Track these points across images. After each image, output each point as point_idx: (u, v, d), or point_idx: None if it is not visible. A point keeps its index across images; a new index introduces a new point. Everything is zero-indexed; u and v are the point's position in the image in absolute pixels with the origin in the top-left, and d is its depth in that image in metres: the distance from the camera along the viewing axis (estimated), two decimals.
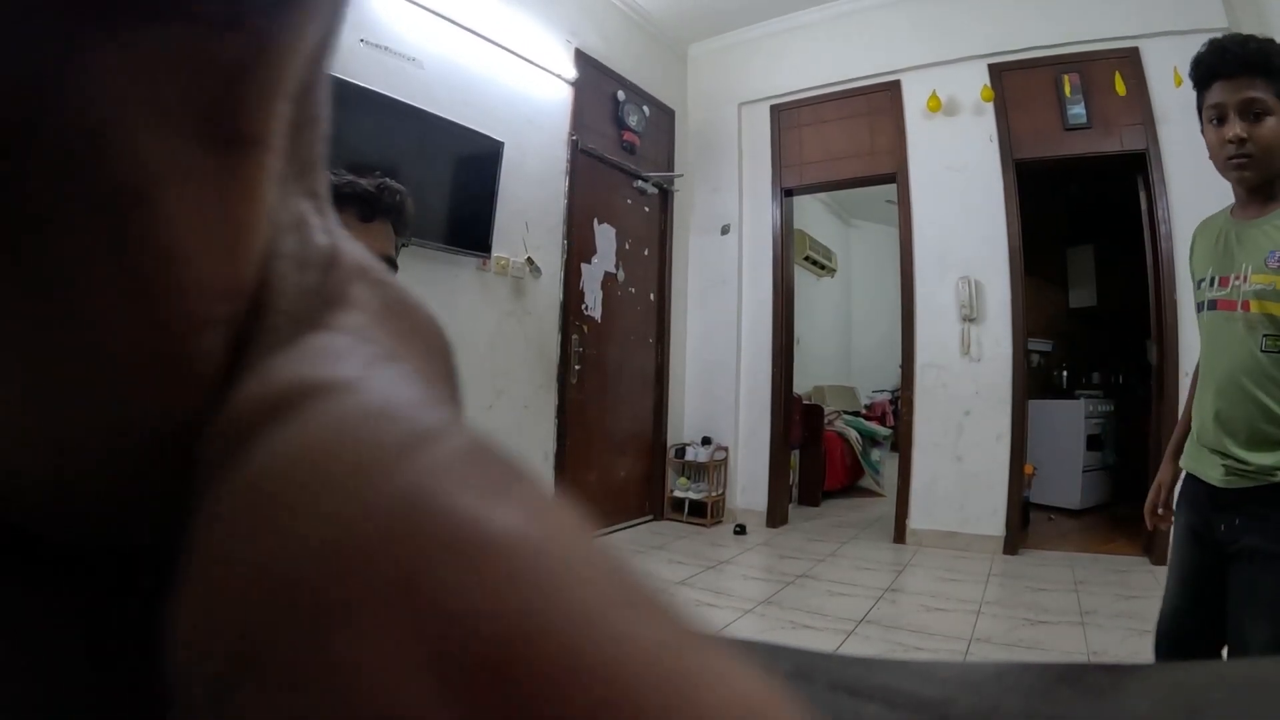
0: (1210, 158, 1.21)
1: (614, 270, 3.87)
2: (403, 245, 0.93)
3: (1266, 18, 3.25)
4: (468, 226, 2.90)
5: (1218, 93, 1.15)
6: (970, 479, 3.55)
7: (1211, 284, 1.25)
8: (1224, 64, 1.14)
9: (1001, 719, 0.09)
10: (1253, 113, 1.11)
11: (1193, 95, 1.25)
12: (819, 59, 4.10)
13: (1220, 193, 1.30)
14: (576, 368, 3.57)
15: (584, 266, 3.66)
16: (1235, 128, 1.12)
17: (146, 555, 0.09)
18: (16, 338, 0.08)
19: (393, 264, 0.87)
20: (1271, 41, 1.15)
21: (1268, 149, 1.12)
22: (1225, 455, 1.20)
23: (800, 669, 0.12)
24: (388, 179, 0.86)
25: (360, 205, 0.84)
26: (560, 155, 3.48)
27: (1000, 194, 3.55)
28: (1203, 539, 1.25)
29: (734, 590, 2.95)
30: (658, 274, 4.26)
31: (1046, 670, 0.10)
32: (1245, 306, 1.16)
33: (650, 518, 4.18)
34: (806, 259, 6.45)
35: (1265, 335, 1.14)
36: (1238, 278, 1.19)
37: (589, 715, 0.06)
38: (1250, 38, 1.15)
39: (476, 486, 0.07)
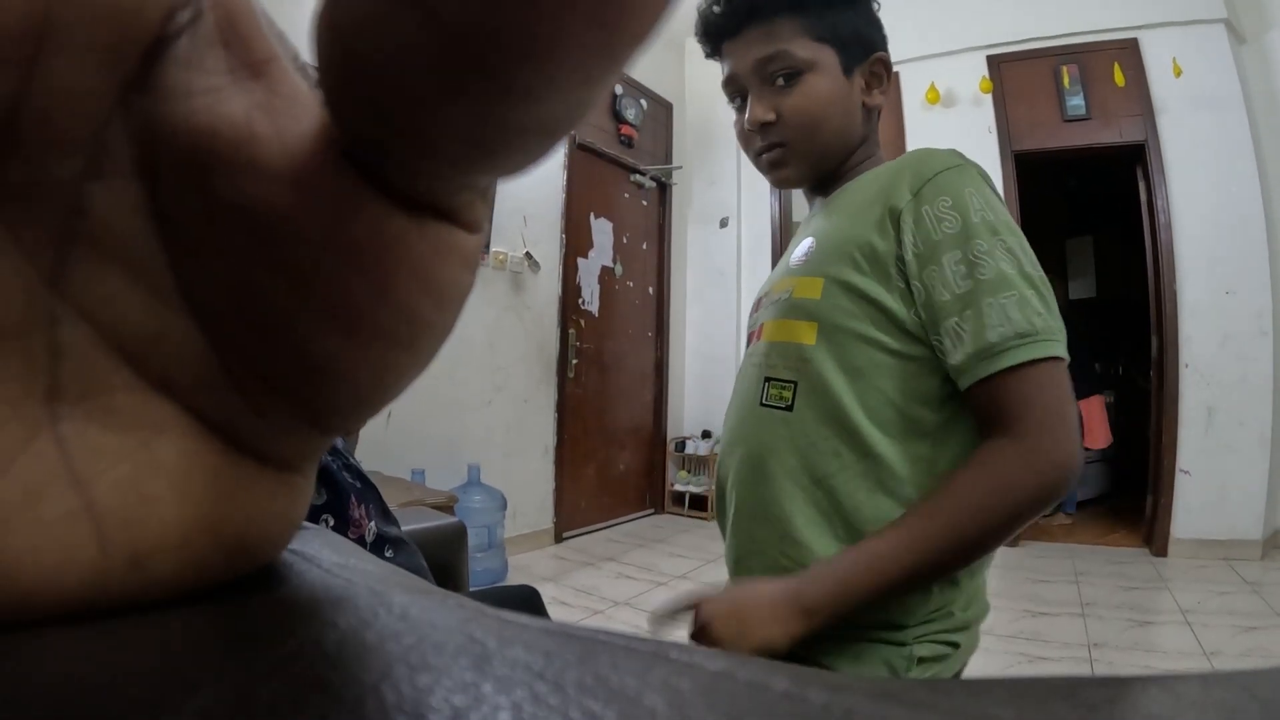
0: (747, 153, 0.79)
1: (611, 264, 3.86)
2: None
3: (1265, 5, 3.24)
4: None
5: (730, 61, 0.74)
6: None
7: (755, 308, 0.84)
8: (726, 16, 0.72)
9: None
10: (778, 76, 0.70)
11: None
12: None
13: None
14: (574, 362, 3.57)
15: (580, 261, 3.65)
16: (756, 108, 0.72)
17: None
18: None
19: None
20: None
21: (806, 126, 0.71)
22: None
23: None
24: None
25: None
26: (558, 150, 3.45)
27: (999, 185, 3.53)
28: None
29: None
30: (656, 267, 4.25)
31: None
32: (758, 335, 0.76)
33: (651, 511, 4.19)
34: None
35: (769, 379, 0.72)
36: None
37: None
38: None
39: None
